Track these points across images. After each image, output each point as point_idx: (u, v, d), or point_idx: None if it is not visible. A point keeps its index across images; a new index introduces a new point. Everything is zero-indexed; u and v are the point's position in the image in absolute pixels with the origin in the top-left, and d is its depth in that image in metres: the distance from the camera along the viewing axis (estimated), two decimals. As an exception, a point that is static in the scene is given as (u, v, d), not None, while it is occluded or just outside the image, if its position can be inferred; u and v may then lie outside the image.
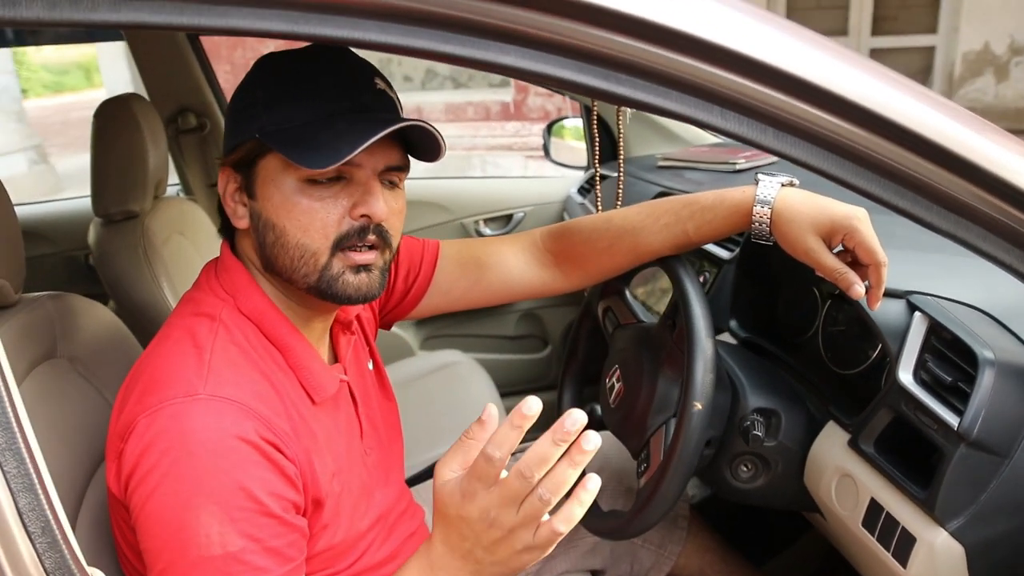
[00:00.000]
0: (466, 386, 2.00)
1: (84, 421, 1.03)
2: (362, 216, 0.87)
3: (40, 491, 0.63)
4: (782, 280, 1.32)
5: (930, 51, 6.29)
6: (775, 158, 1.69)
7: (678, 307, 1.08)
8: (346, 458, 0.98)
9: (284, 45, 0.81)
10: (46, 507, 0.63)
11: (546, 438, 0.71)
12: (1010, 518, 0.88)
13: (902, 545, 0.93)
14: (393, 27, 0.62)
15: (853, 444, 1.02)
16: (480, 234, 2.61)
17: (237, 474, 0.78)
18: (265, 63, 0.90)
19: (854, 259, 0.99)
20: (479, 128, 8.14)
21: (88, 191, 1.85)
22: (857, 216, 0.97)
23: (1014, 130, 0.91)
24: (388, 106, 0.90)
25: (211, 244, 2.00)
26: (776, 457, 1.11)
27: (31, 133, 8.09)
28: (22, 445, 0.62)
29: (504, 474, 0.74)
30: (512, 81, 7.09)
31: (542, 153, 2.65)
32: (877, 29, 6.33)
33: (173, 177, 2.30)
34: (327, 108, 0.85)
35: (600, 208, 1.85)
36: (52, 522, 0.64)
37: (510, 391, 2.54)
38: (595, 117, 1.96)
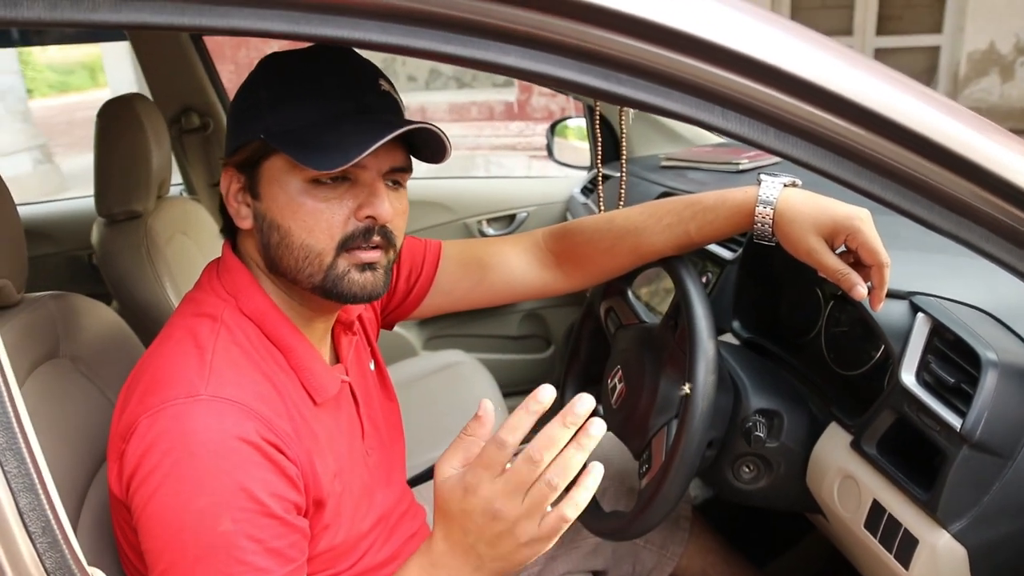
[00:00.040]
0: (469, 386, 2.00)
1: (86, 421, 1.03)
2: (367, 217, 0.87)
3: (41, 491, 0.63)
4: (785, 281, 1.32)
5: (935, 51, 6.28)
6: (778, 158, 1.69)
7: (680, 308, 1.08)
8: (347, 459, 0.98)
9: (288, 45, 0.81)
10: (47, 507, 0.63)
11: (556, 421, 0.73)
12: (1013, 520, 0.88)
13: (904, 547, 0.92)
14: (394, 27, 0.62)
15: (855, 445, 1.02)
16: (483, 234, 2.61)
17: (238, 475, 0.78)
18: (269, 63, 0.90)
19: (856, 260, 0.99)
20: (483, 128, 8.14)
21: (92, 191, 1.86)
22: (860, 217, 0.96)
23: (1019, 130, 0.91)
24: (392, 107, 0.90)
25: (214, 244, 2.00)
26: (778, 458, 1.11)
27: (36, 133, 8.12)
28: (23, 445, 0.62)
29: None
30: (516, 81, 7.08)
31: (546, 153, 2.65)
32: (882, 29, 6.32)
33: (176, 177, 2.30)
34: (333, 109, 0.85)
35: (602, 208, 1.85)
36: (53, 522, 0.64)
37: (513, 391, 2.53)
38: (598, 117, 1.96)
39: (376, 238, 0.88)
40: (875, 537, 0.97)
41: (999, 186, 0.69)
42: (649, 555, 1.37)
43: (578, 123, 2.58)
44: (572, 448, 0.73)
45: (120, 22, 0.58)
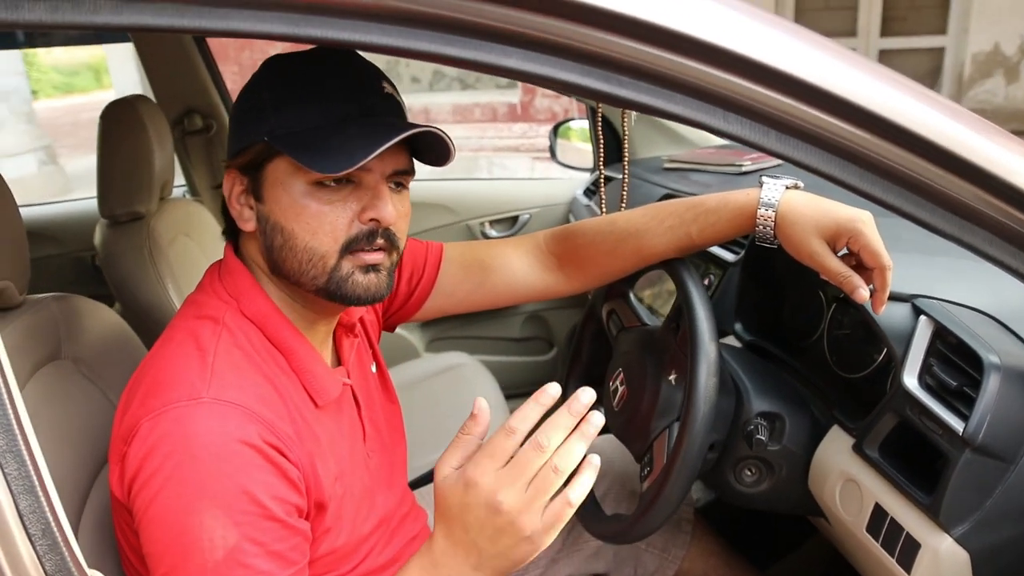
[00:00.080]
0: (471, 388, 2.00)
1: (88, 423, 1.03)
2: (371, 220, 0.87)
3: (41, 493, 0.63)
4: (787, 283, 1.32)
5: (940, 52, 6.26)
6: (781, 160, 1.69)
7: (682, 310, 1.08)
8: (349, 461, 0.98)
9: (291, 47, 0.81)
10: (47, 509, 0.63)
11: (562, 410, 0.77)
12: (1015, 524, 0.87)
13: (906, 551, 0.92)
14: (395, 29, 0.62)
15: (857, 449, 1.01)
16: (486, 236, 2.61)
17: (240, 478, 0.78)
18: (272, 65, 0.90)
19: (859, 262, 0.99)
20: (486, 129, 8.15)
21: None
22: (862, 219, 0.96)
23: (1023, 132, 0.90)
24: (395, 110, 0.90)
25: (216, 245, 2.00)
26: (780, 461, 1.10)
27: (41, 134, 8.14)
28: (23, 447, 0.62)
29: None
30: (519, 82, 7.09)
31: (549, 155, 2.65)
32: (886, 30, 6.31)
33: (179, 178, 2.31)
34: (337, 112, 0.85)
35: (604, 210, 1.85)
36: (53, 524, 0.64)
37: (515, 393, 2.53)
38: (600, 119, 1.96)
39: (379, 240, 0.88)
40: (877, 541, 0.97)
41: (1002, 189, 0.69)
42: (651, 558, 1.36)
43: (581, 125, 2.57)
44: (576, 436, 0.77)
45: (121, 24, 0.58)
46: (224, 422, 0.80)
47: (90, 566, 0.68)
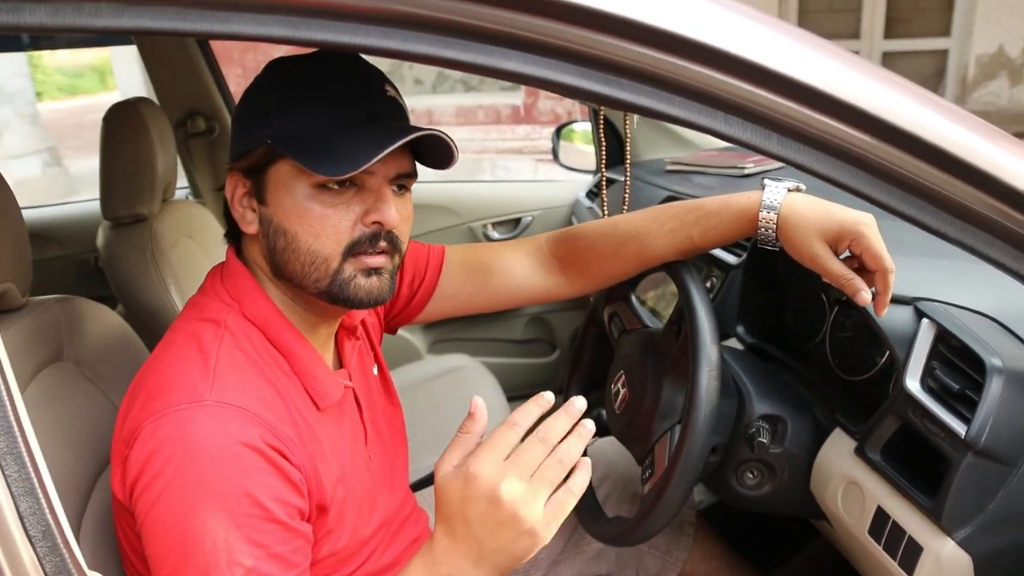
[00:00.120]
0: (473, 390, 2.00)
1: (90, 424, 1.03)
2: (374, 223, 0.87)
3: (41, 495, 0.63)
4: (789, 286, 1.32)
5: (943, 54, 6.26)
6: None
7: (683, 313, 1.08)
8: (350, 464, 0.98)
9: (294, 50, 0.82)
10: (47, 511, 0.64)
11: (560, 412, 0.80)
12: (1018, 528, 0.87)
13: (909, 554, 0.92)
14: (395, 32, 0.62)
15: (860, 451, 1.01)
16: (488, 238, 2.61)
17: (242, 480, 0.78)
18: (275, 68, 0.90)
19: (861, 265, 0.98)
20: (489, 131, 8.15)
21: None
22: (864, 222, 0.96)
23: (1026, 135, 0.90)
24: (398, 113, 0.90)
25: (219, 247, 2.00)
26: (782, 464, 1.10)
27: (45, 136, 8.16)
28: (23, 449, 0.63)
29: None
30: (522, 85, 7.09)
31: (552, 157, 2.65)
32: (890, 32, 6.31)
33: (182, 180, 2.31)
34: (341, 115, 0.85)
35: (606, 213, 1.85)
36: (53, 526, 0.64)
37: (518, 395, 2.52)
38: (602, 121, 1.96)
39: (382, 243, 0.88)
40: (879, 544, 0.97)
41: (1005, 192, 0.69)
42: (653, 560, 1.36)
43: (584, 127, 2.57)
44: (574, 435, 0.80)
45: (121, 27, 0.59)
46: (226, 424, 0.80)
47: (91, 568, 0.68)
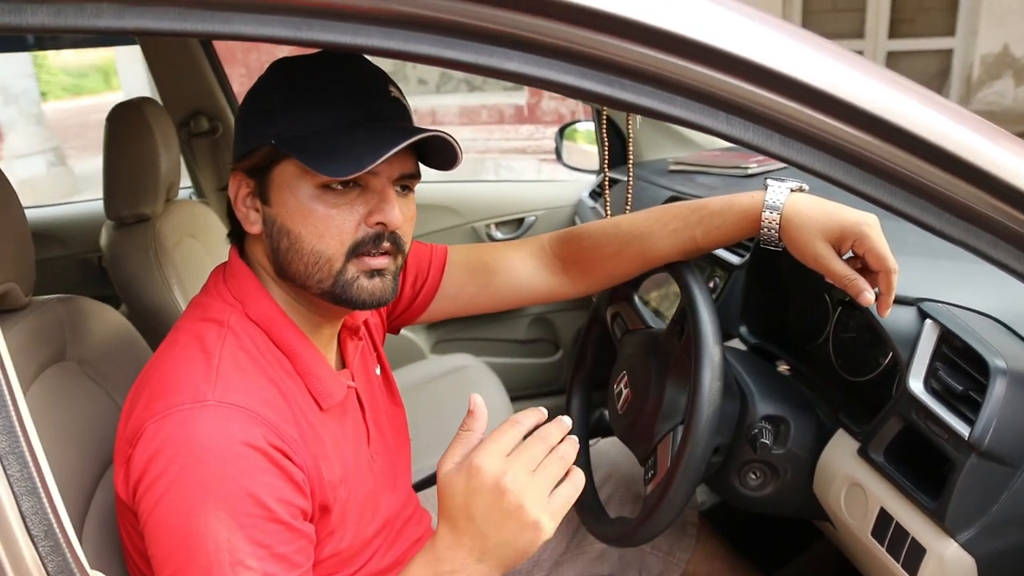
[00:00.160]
0: (476, 390, 1.99)
1: (93, 424, 1.03)
2: (378, 224, 0.87)
3: (43, 495, 0.63)
4: (792, 286, 1.31)
5: (948, 54, 6.24)
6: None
7: (686, 313, 1.08)
8: (353, 464, 0.98)
9: (298, 50, 0.82)
10: (49, 511, 0.64)
11: (554, 422, 0.84)
12: (1022, 530, 0.87)
13: (912, 556, 0.91)
14: (396, 33, 0.62)
15: (863, 452, 1.01)
16: (491, 238, 2.61)
17: (245, 480, 0.79)
18: (279, 68, 0.90)
19: (864, 266, 0.98)
20: (493, 131, 8.15)
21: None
22: (867, 222, 0.96)
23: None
24: (401, 114, 0.90)
25: (222, 247, 2.00)
26: (785, 465, 1.10)
27: (50, 135, 8.18)
28: (25, 449, 0.63)
29: None
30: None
31: (555, 157, 2.65)
32: (894, 32, 6.29)
33: (185, 180, 2.31)
34: (344, 116, 0.85)
35: (609, 213, 1.84)
36: (55, 526, 0.64)
37: (521, 395, 2.53)
38: (605, 121, 1.96)
39: (386, 244, 0.89)
40: (882, 545, 0.96)
41: (1007, 192, 0.69)
42: (655, 561, 1.36)
43: (587, 127, 2.57)
44: (568, 442, 0.83)
45: (123, 28, 0.59)
46: (228, 425, 0.80)
47: (94, 567, 0.68)
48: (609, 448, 1.44)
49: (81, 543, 0.84)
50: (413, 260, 1.17)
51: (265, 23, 0.60)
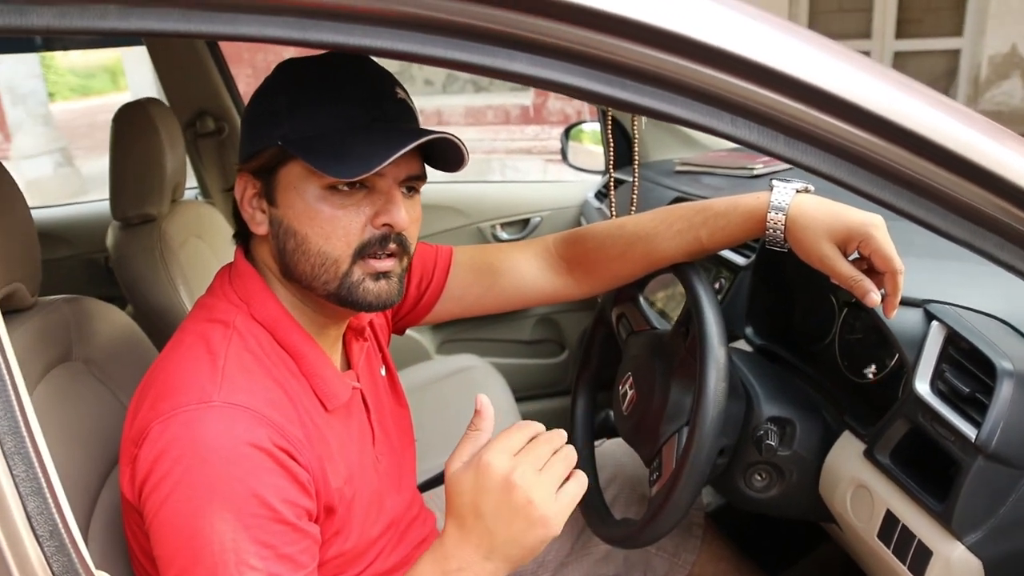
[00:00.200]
0: (482, 390, 1.98)
1: (99, 424, 1.04)
2: (384, 225, 0.87)
3: (49, 495, 0.64)
4: (798, 287, 1.31)
5: (955, 54, 6.21)
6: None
7: (691, 314, 1.07)
8: (358, 465, 0.98)
9: (304, 51, 0.82)
10: (54, 511, 0.64)
11: (555, 430, 0.86)
12: (1029, 532, 0.86)
13: (918, 558, 0.91)
14: (401, 34, 0.62)
15: (869, 454, 1.00)
16: (497, 238, 2.61)
17: (250, 481, 0.79)
18: (286, 69, 0.90)
19: (870, 266, 0.98)
20: (499, 132, 8.16)
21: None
22: (873, 223, 0.95)
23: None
24: (408, 115, 0.90)
25: (228, 247, 2.00)
26: (791, 466, 1.09)
27: (57, 136, 8.21)
28: (31, 449, 0.63)
29: None
30: (531, 85, 7.08)
31: (561, 157, 2.65)
32: (901, 32, 6.26)
33: (191, 180, 2.32)
34: (351, 117, 0.86)
35: (614, 214, 1.84)
36: (60, 526, 0.64)
37: (526, 395, 2.53)
38: (610, 122, 1.95)
39: (392, 245, 0.89)
40: (888, 548, 0.96)
41: (1013, 193, 0.68)
42: (661, 562, 1.36)
43: (593, 127, 2.57)
44: (568, 447, 0.85)
45: (127, 29, 0.59)
46: (234, 425, 0.80)
47: (100, 567, 0.68)
48: (614, 449, 1.43)
49: (87, 543, 0.84)
50: (418, 261, 1.17)
51: (269, 24, 0.60)
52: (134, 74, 9.44)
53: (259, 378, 0.86)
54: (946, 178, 0.68)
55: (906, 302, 0.99)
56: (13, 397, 0.63)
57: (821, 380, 1.18)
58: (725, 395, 1.00)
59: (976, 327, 0.93)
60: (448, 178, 2.92)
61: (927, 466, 0.95)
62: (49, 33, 0.58)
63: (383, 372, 1.13)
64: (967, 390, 0.89)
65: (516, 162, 7.44)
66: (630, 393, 1.22)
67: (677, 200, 1.78)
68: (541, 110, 8.19)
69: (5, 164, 0.99)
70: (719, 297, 1.39)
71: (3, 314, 0.89)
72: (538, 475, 0.81)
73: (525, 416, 1.94)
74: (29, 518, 0.63)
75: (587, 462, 1.32)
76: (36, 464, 0.63)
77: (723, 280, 1.43)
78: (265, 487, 0.79)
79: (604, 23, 0.61)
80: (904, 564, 0.93)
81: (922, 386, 0.93)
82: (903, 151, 0.66)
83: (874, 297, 0.96)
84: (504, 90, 8.87)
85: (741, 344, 1.34)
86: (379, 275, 0.89)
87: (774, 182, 1.04)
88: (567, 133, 2.57)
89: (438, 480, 1.59)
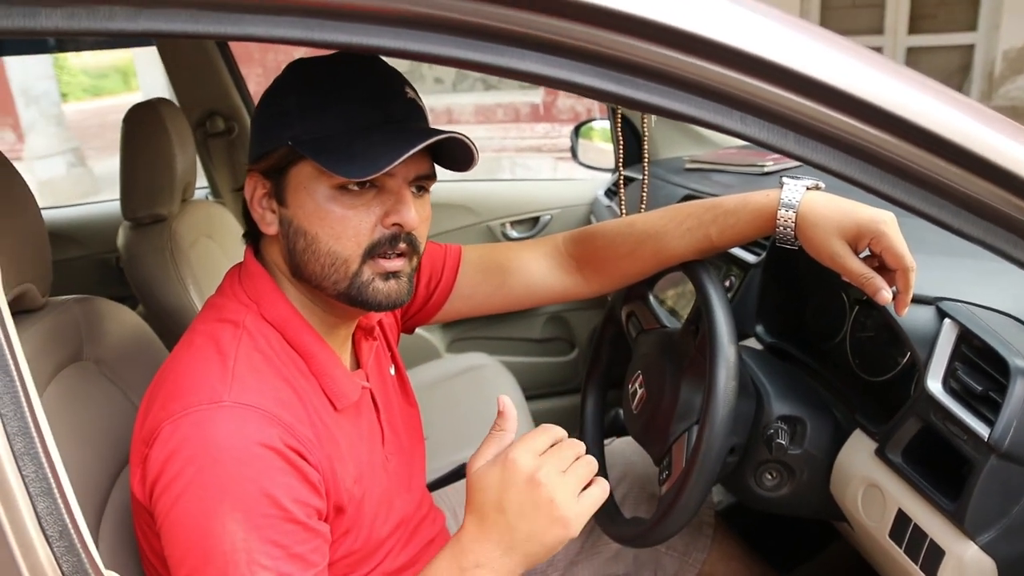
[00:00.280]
0: (492, 389, 2.00)
1: (110, 423, 1.04)
2: (394, 225, 0.87)
3: (58, 496, 0.64)
4: (809, 285, 1.30)
5: (969, 49, 6.16)
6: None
7: (701, 312, 1.07)
8: (367, 464, 0.98)
9: (314, 51, 0.82)
10: (64, 512, 0.64)
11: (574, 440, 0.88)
12: (1043, 532, 0.86)
13: (930, 558, 0.90)
14: (409, 33, 0.62)
15: (880, 453, 1.00)
16: (507, 237, 2.60)
17: (262, 481, 0.79)
18: (296, 69, 0.90)
19: (881, 264, 0.97)
20: (509, 130, 8.14)
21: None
22: (884, 220, 0.95)
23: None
24: (418, 115, 0.90)
25: (238, 247, 2.01)
26: (801, 465, 1.09)
27: (70, 136, 8.25)
28: (40, 450, 0.63)
29: None
30: (541, 83, 7.06)
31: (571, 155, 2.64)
32: (914, 27, 6.21)
33: (201, 180, 2.33)
34: (361, 117, 0.86)
35: (624, 212, 1.84)
36: (70, 527, 0.64)
37: (536, 394, 2.53)
38: (620, 119, 1.95)
39: (402, 245, 0.89)
40: (900, 547, 0.95)
41: (1027, 190, 0.67)
42: (671, 561, 1.35)
43: (603, 125, 2.56)
44: (590, 456, 0.87)
45: (136, 30, 0.59)
46: (244, 425, 0.80)
47: (110, 567, 0.69)
48: (624, 448, 1.43)
49: (97, 543, 0.84)
50: (427, 260, 1.17)
51: (277, 24, 0.60)
52: (146, 75, 9.47)
53: (269, 378, 0.86)
54: (958, 175, 0.67)
55: (918, 300, 0.98)
56: (23, 398, 0.63)
57: (832, 378, 1.18)
58: (735, 394, 0.99)
59: (989, 325, 0.92)
60: (458, 176, 2.92)
61: (939, 465, 0.94)
62: (58, 34, 0.58)
63: (392, 371, 1.14)
64: (980, 388, 0.89)
65: (526, 160, 7.43)
66: (640, 392, 1.21)
67: (687, 198, 1.77)
68: (551, 108, 8.18)
69: (19, 164, 1.00)
70: (729, 295, 1.38)
71: (14, 315, 0.89)
72: (562, 476, 0.82)
73: (535, 414, 1.94)
74: (39, 519, 0.63)
75: (594, 456, 1.31)
76: (46, 465, 0.63)
77: (733, 278, 1.43)
78: (276, 487, 0.80)
79: (614, 21, 0.61)
80: (916, 564, 0.93)
81: (934, 384, 0.93)
82: (914, 147, 0.66)
83: (885, 295, 0.95)
84: (514, 88, 8.86)
85: (751, 342, 1.33)
86: (389, 275, 0.89)
87: (784, 179, 1.03)
88: (577, 131, 2.57)
89: (448, 479, 1.59)
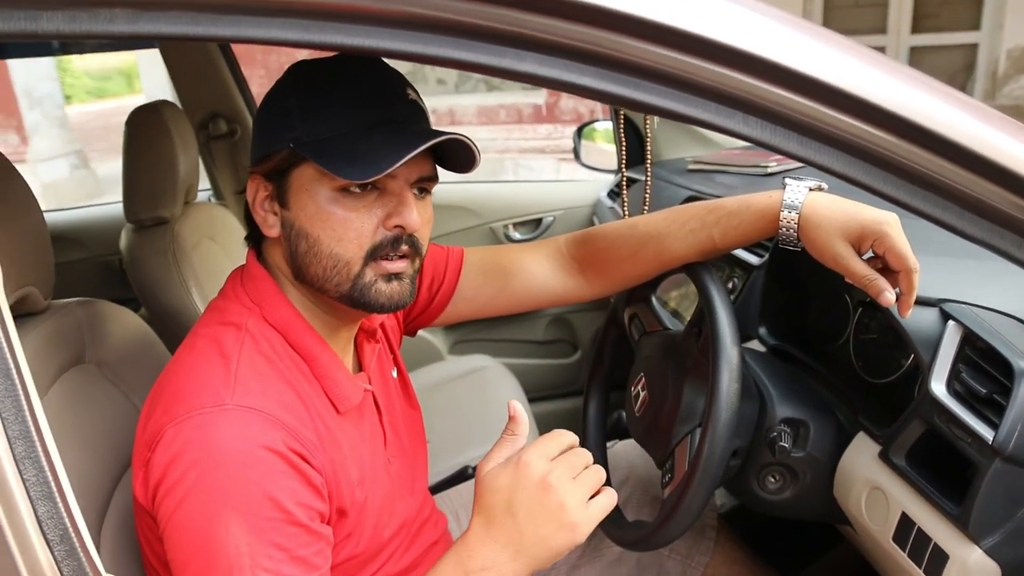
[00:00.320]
0: (495, 391, 2.00)
1: (112, 427, 1.04)
2: (396, 226, 0.87)
3: (59, 500, 0.64)
4: (812, 287, 1.30)
5: (973, 48, 6.14)
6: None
7: (704, 314, 1.07)
8: (370, 467, 0.98)
9: (316, 53, 0.82)
10: (65, 516, 0.64)
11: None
12: (1048, 536, 0.85)
13: (934, 562, 0.90)
14: (408, 35, 0.62)
15: (884, 456, 0.99)
16: (509, 238, 2.60)
17: (265, 484, 0.79)
18: (297, 71, 0.90)
19: (885, 265, 0.97)
20: (511, 131, 8.14)
21: (122, 196, 1.88)
22: (887, 221, 0.94)
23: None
24: (419, 117, 0.90)
25: (241, 249, 2.00)
26: (804, 468, 1.08)
27: (73, 139, 8.27)
28: (41, 454, 0.63)
29: None
30: (544, 84, 7.06)
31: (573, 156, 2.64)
32: (917, 27, 6.20)
33: (204, 182, 2.33)
34: (363, 119, 0.86)
35: (627, 213, 1.83)
36: (71, 530, 0.64)
37: (539, 396, 2.52)
38: (622, 120, 1.94)
39: (404, 247, 0.89)
40: (904, 551, 0.95)
41: (1032, 192, 0.67)
42: (674, 564, 1.35)
43: (605, 126, 2.56)
44: (598, 466, 0.88)
45: (136, 33, 0.59)
46: (248, 428, 0.80)
47: (111, 570, 0.69)
48: (627, 450, 1.43)
49: (99, 546, 0.84)
50: (429, 263, 1.17)
51: (276, 26, 0.60)
52: (149, 77, 9.49)
53: (272, 381, 0.86)
54: (961, 175, 0.67)
55: (921, 301, 0.98)
56: (24, 402, 0.63)
57: (835, 381, 1.17)
58: (738, 396, 0.99)
59: (993, 327, 0.92)
60: (460, 178, 2.91)
61: (943, 468, 0.93)
62: (60, 37, 0.58)
63: (394, 374, 1.13)
64: (984, 391, 0.88)
65: (529, 161, 7.43)
66: (642, 394, 1.21)
67: (690, 199, 1.77)
68: (554, 109, 8.18)
69: (23, 167, 1.00)
70: (732, 297, 1.38)
71: (16, 318, 0.89)
72: (572, 482, 0.83)
73: (537, 417, 1.93)
74: (40, 522, 0.63)
75: (599, 464, 1.31)
76: (47, 468, 0.63)
77: (736, 280, 1.42)
78: (279, 490, 0.79)
79: (615, 22, 0.61)
80: (920, 567, 0.92)
81: (938, 387, 0.92)
82: (917, 148, 0.65)
83: (889, 296, 0.95)
84: (517, 89, 8.86)
85: (754, 344, 1.33)
86: (391, 276, 0.89)
87: (787, 180, 1.03)
88: (579, 132, 2.57)
89: (450, 482, 1.59)
